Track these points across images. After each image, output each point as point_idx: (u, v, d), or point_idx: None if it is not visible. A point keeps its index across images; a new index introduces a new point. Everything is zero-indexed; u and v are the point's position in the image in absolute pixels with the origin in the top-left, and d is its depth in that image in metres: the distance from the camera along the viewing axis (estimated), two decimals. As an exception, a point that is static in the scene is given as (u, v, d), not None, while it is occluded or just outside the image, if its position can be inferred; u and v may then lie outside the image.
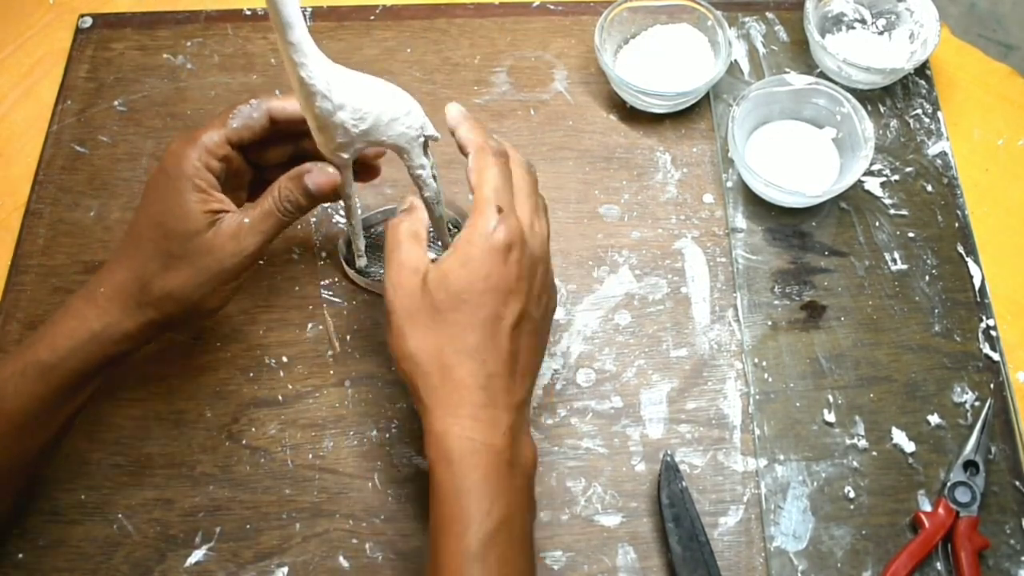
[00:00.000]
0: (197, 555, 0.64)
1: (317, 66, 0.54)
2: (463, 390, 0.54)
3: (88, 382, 0.59)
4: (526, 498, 0.55)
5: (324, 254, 0.74)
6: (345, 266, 0.72)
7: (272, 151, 0.63)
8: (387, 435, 0.67)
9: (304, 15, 0.84)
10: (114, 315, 0.58)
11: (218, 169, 0.59)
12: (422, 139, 0.62)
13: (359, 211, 0.68)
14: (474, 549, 0.51)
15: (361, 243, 0.70)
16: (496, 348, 0.54)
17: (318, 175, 0.59)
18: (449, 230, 0.71)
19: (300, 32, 0.52)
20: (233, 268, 0.59)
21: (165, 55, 0.83)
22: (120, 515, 0.65)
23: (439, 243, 0.71)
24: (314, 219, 0.75)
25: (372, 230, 0.75)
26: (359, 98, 0.57)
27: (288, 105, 0.61)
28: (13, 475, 0.59)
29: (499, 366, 0.54)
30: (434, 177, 0.65)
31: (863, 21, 0.83)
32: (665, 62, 0.78)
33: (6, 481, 0.59)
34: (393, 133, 0.60)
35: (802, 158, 0.75)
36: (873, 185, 0.76)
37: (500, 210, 0.55)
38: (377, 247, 0.74)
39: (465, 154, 0.58)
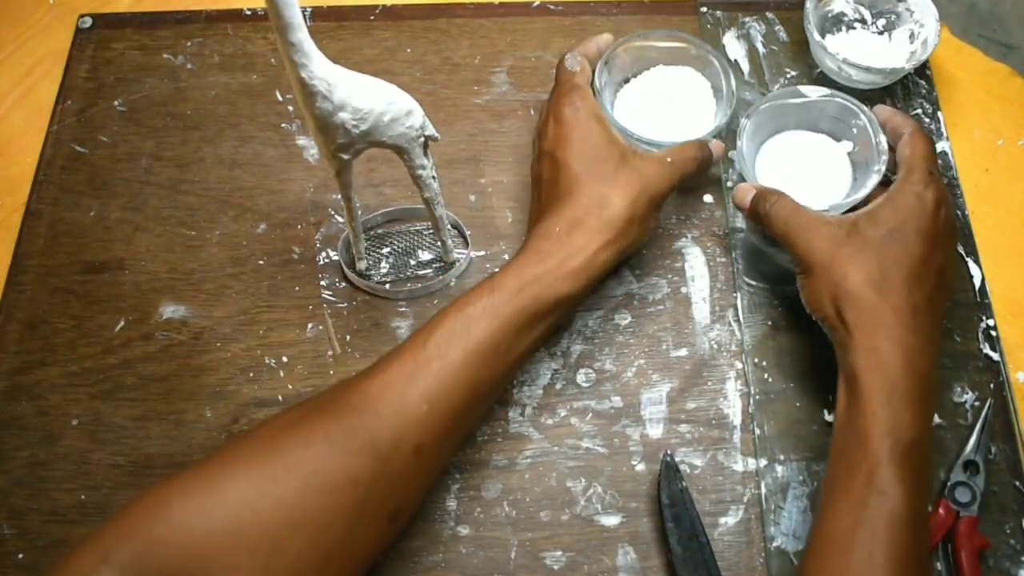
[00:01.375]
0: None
1: (318, 67, 0.54)
2: (897, 313, 0.59)
3: (541, 321, 0.61)
4: (931, 424, 0.59)
5: (324, 254, 0.74)
6: (345, 269, 0.72)
7: None
8: (387, 435, 0.67)
9: (304, 15, 0.84)
10: (577, 244, 0.62)
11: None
12: (422, 139, 0.62)
13: (359, 213, 0.68)
14: (904, 445, 0.55)
15: (362, 246, 0.70)
16: (921, 284, 0.60)
17: (716, 144, 0.72)
18: (449, 230, 0.72)
19: (301, 33, 0.52)
20: (664, 193, 0.66)
21: (165, 55, 0.83)
22: (120, 515, 0.65)
23: (439, 243, 0.71)
24: (314, 219, 0.75)
25: (372, 232, 0.75)
26: (360, 99, 0.57)
27: (591, 45, 0.73)
28: (461, 411, 0.58)
29: (923, 301, 0.60)
30: (434, 177, 0.65)
31: (863, 21, 0.83)
32: (666, 106, 0.76)
33: (451, 420, 0.57)
34: (393, 133, 0.60)
35: (814, 170, 0.74)
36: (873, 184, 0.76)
37: (930, 173, 0.63)
38: (376, 249, 0.74)
39: (895, 137, 0.68)
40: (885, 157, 0.68)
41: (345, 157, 0.60)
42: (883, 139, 0.69)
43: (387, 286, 0.72)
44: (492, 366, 0.58)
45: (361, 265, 0.71)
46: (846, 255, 0.61)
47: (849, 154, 0.73)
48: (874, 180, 0.68)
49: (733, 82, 0.73)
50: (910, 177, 0.63)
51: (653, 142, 0.70)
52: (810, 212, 0.65)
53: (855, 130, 0.72)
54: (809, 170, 0.74)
